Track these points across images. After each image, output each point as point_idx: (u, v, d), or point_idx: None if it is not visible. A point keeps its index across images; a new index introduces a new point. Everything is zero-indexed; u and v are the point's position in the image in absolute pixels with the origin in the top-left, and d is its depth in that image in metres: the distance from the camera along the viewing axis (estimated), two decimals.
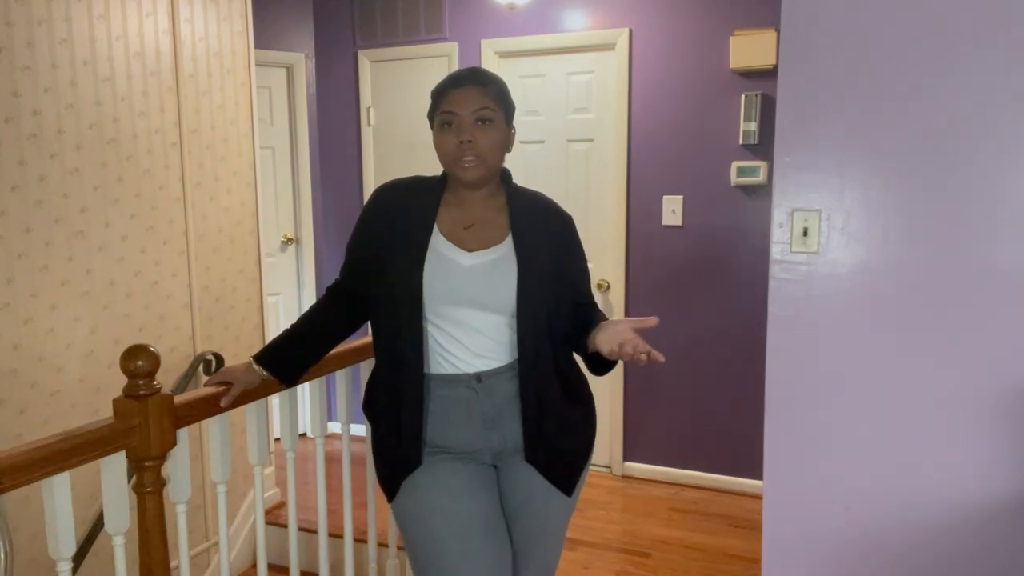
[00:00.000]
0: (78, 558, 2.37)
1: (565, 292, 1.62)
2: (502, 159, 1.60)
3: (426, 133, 1.63)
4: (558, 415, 1.60)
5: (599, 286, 3.74)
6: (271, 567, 2.90)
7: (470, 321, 1.55)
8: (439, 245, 1.57)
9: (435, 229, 1.59)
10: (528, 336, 1.55)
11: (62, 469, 1.40)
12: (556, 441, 1.61)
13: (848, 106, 1.78)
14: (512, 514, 1.66)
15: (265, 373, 1.71)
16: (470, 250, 1.57)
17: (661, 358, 1.40)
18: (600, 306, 1.75)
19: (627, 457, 3.83)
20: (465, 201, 1.62)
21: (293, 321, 1.77)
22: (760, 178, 3.36)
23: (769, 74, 3.30)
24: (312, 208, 4.23)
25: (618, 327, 1.46)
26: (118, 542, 1.52)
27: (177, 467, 1.64)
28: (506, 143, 1.59)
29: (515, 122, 1.64)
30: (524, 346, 1.56)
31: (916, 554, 1.84)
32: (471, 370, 1.57)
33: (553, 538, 1.72)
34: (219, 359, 3.00)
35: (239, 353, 3.16)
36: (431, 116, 1.59)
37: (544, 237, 1.61)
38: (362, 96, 4.13)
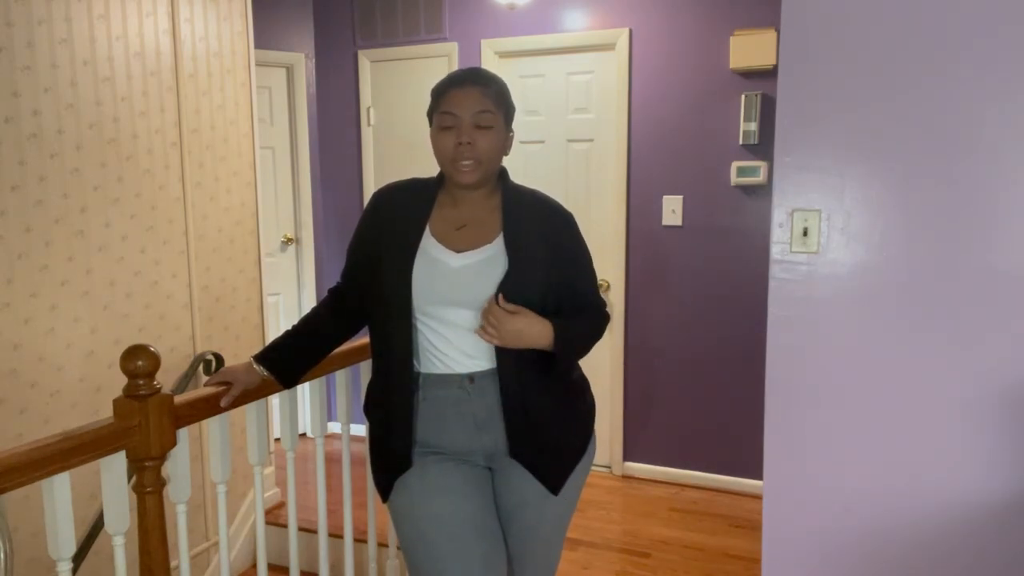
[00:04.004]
0: (78, 558, 2.37)
1: (560, 292, 1.61)
2: (499, 162, 1.60)
3: (426, 133, 1.63)
4: (542, 412, 1.59)
5: (599, 286, 3.74)
6: (271, 567, 2.90)
7: (461, 321, 1.55)
8: (429, 246, 1.58)
9: (426, 230, 1.59)
10: None
11: (62, 469, 1.40)
12: (541, 438, 1.60)
13: (848, 106, 1.78)
14: (507, 517, 1.66)
15: (265, 373, 1.71)
16: (459, 251, 1.57)
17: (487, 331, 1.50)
18: (605, 306, 1.74)
19: (627, 457, 3.83)
20: (460, 201, 1.62)
21: (293, 321, 1.78)
22: (760, 178, 3.36)
23: (769, 74, 3.30)
24: (312, 208, 4.23)
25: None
26: (118, 542, 1.52)
27: (177, 467, 1.64)
28: (504, 146, 1.59)
29: (515, 122, 1.64)
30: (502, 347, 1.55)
31: (916, 554, 1.84)
32: (464, 370, 1.57)
33: (550, 542, 1.71)
34: (219, 359, 3.00)
35: (239, 353, 3.16)
36: (430, 115, 1.59)
37: (538, 236, 1.59)
38: (362, 96, 4.13)
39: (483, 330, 1.50)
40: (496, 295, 1.52)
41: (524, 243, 1.57)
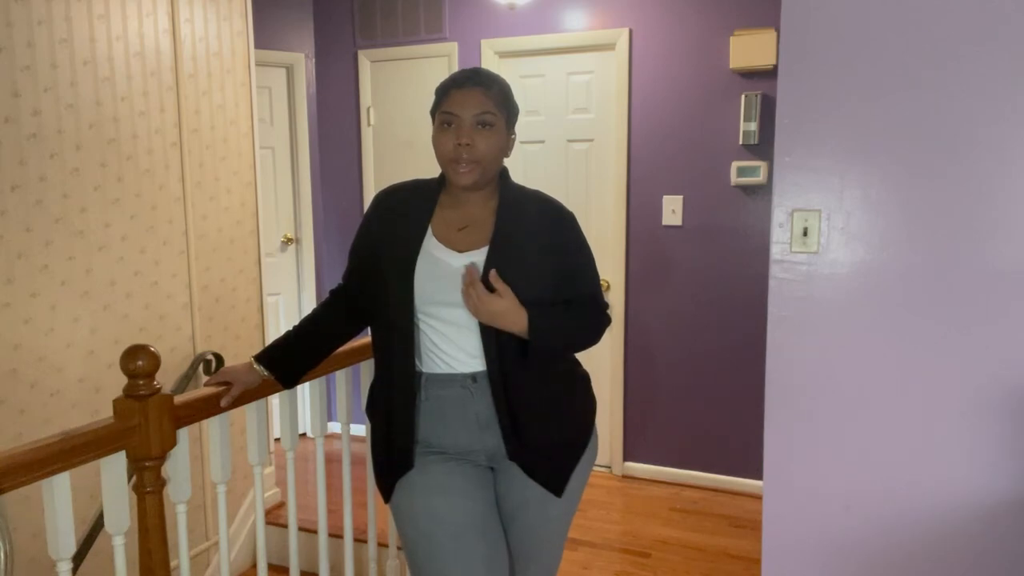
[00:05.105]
0: (78, 558, 2.37)
1: (562, 292, 1.61)
2: (499, 164, 1.60)
3: (426, 133, 1.63)
4: (537, 413, 1.59)
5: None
6: (271, 567, 2.90)
7: (463, 321, 1.55)
8: (431, 247, 1.58)
9: (428, 231, 1.60)
10: (492, 336, 1.54)
11: (62, 469, 1.40)
12: (537, 439, 1.59)
13: (848, 106, 1.78)
14: (508, 517, 1.66)
15: (266, 373, 1.71)
16: (461, 251, 1.57)
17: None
18: (607, 307, 1.73)
19: (627, 457, 3.83)
20: (461, 202, 1.62)
21: (293, 321, 1.78)
22: (760, 178, 3.36)
23: (769, 74, 3.30)
24: (312, 208, 4.23)
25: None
26: (118, 542, 1.52)
27: (177, 467, 1.65)
28: (505, 148, 1.59)
29: (516, 123, 1.64)
30: (489, 343, 1.54)
31: (917, 554, 1.84)
32: (466, 370, 1.57)
33: (552, 542, 1.71)
34: (219, 359, 3.00)
35: (239, 353, 3.16)
36: (433, 114, 1.59)
37: (536, 236, 1.59)
38: (362, 96, 4.13)
39: (465, 295, 1.51)
40: (485, 268, 1.52)
41: (517, 243, 1.57)
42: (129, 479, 1.59)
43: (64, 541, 1.42)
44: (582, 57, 3.68)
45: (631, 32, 3.54)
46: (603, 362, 3.76)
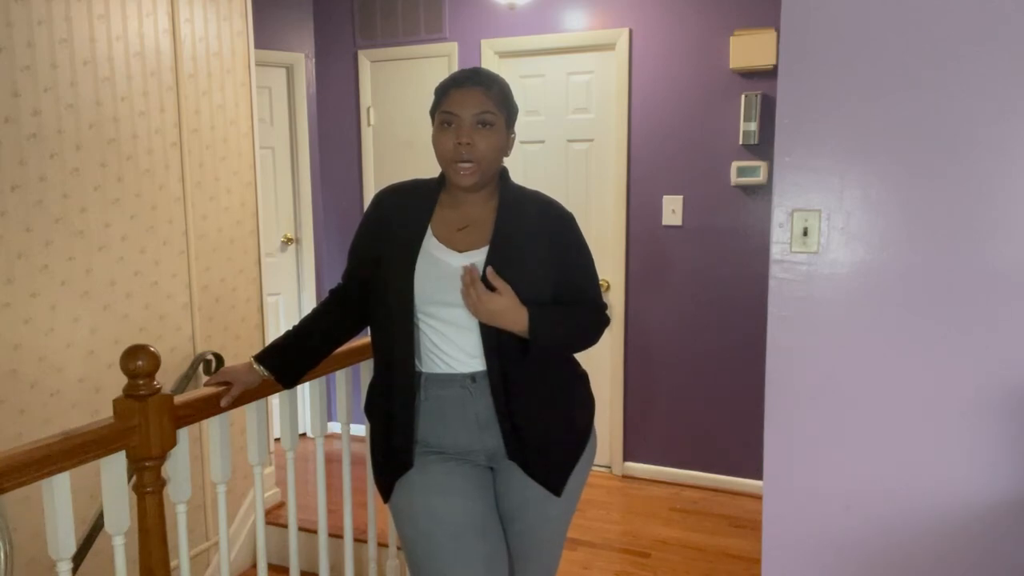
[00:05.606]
0: (78, 558, 2.37)
1: (560, 292, 1.61)
2: (499, 163, 1.60)
3: (426, 133, 1.64)
4: (535, 413, 1.59)
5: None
6: (271, 567, 2.90)
7: (462, 321, 1.55)
8: (431, 246, 1.58)
9: (428, 231, 1.60)
10: (492, 336, 1.54)
11: (62, 469, 1.40)
12: (536, 439, 1.59)
13: (848, 106, 1.78)
14: (507, 517, 1.66)
15: (266, 373, 1.71)
16: (461, 251, 1.57)
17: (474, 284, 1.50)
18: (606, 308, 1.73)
19: (627, 457, 3.83)
20: (461, 202, 1.62)
21: (293, 321, 1.78)
22: (760, 178, 3.36)
23: (769, 74, 3.30)
24: (312, 208, 4.23)
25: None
26: (118, 542, 1.52)
27: (177, 467, 1.65)
28: (505, 147, 1.59)
29: (515, 122, 1.64)
30: (489, 343, 1.54)
31: (916, 554, 1.84)
32: (466, 370, 1.57)
33: (552, 541, 1.71)
34: (219, 359, 3.00)
35: (239, 353, 3.16)
36: (432, 113, 1.59)
37: (536, 236, 1.59)
38: (362, 96, 4.13)
39: (465, 294, 1.50)
40: (484, 268, 1.52)
41: (517, 243, 1.57)
42: (129, 479, 1.59)
43: (64, 541, 1.42)
44: (582, 57, 3.68)
45: (631, 32, 3.54)
46: (603, 362, 3.76)
